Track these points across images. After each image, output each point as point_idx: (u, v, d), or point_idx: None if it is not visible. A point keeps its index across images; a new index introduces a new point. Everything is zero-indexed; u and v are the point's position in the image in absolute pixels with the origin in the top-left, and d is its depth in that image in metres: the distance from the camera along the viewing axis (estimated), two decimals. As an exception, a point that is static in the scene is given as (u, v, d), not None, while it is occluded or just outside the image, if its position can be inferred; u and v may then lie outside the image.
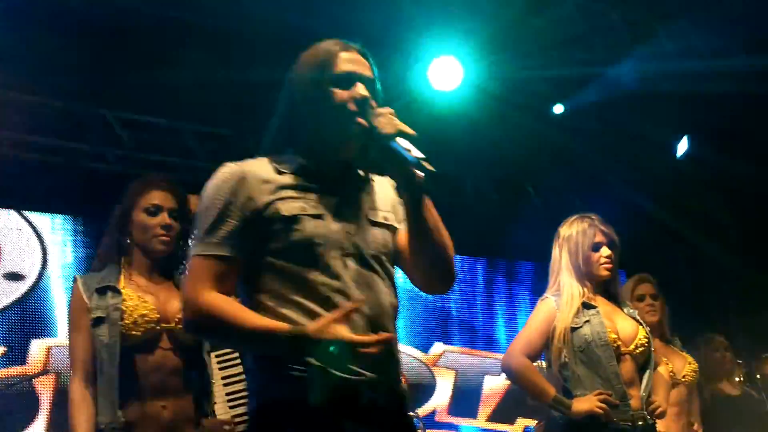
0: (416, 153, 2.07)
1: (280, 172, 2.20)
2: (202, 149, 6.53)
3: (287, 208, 2.14)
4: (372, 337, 2.02)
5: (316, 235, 2.12)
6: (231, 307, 2.08)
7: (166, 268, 3.23)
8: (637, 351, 3.67)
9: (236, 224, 2.13)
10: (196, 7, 5.48)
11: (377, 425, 2.09)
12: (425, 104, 6.26)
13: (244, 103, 5.59)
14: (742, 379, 6.45)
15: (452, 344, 7.63)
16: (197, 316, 2.10)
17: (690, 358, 4.84)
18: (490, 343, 7.64)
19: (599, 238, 3.70)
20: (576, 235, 3.71)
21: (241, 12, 5.48)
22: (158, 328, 3.07)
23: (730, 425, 5.46)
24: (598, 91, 6.55)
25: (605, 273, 3.70)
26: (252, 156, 2.27)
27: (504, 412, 7.36)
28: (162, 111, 6.37)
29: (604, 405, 3.46)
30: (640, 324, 3.76)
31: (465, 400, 7.45)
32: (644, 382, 3.67)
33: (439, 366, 7.54)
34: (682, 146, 7.54)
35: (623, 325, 3.69)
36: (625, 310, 3.79)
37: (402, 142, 2.08)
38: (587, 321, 3.60)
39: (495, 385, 7.50)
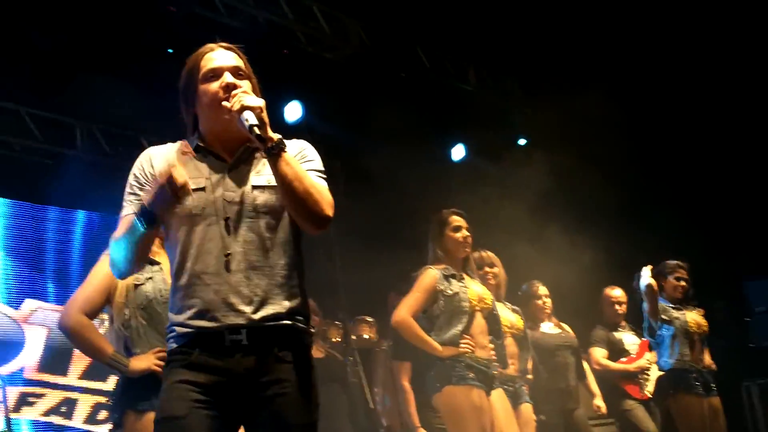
0: (251, 121, 2.53)
1: (183, 153, 2.70)
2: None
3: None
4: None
5: (194, 207, 2.60)
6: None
7: None
8: None
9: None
10: None
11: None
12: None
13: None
14: (339, 339, 6.76)
15: (46, 301, 7.32)
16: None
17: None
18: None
19: None
20: None
21: None
22: None
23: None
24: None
25: None
26: None
27: (97, 370, 7.18)
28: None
29: (161, 362, 3.44)
30: None
31: (56, 357, 7.19)
32: None
33: (30, 323, 7.21)
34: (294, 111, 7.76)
35: None
36: None
37: (246, 115, 2.54)
38: (150, 278, 3.56)
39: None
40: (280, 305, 2.60)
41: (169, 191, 2.50)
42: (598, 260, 7.56)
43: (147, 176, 2.69)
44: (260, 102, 2.59)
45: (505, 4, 7.93)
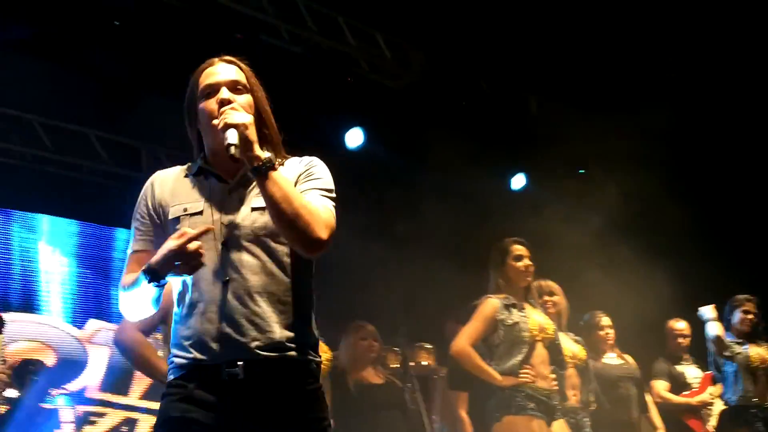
0: (230, 139, 2.39)
1: (186, 175, 2.61)
2: None
3: (173, 211, 2.55)
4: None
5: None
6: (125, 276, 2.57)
7: None
8: None
9: (147, 223, 2.60)
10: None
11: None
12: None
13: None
14: (398, 365, 6.75)
15: (110, 321, 7.44)
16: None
17: (325, 347, 4.94)
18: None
19: None
20: None
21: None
22: None
23: (371, 413, 5.66)
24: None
25: None
26: None
27: (158, 390, 7.26)
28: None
29: None
30: None
31: (118, 377, 7.30)
32: None
33: (93, 343, 7.33)
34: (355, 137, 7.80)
35: None
36: None
37: (228, 133, 2.40)
38: None
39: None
40: (281, 335, 2.45)
41: (180, 265, 2.37)
42: (663, 291, 7.44)
43: (149, 206, 2.61)
44: (245, 119, 2.44)
45: (566, 32, 7.90)
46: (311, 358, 2.54)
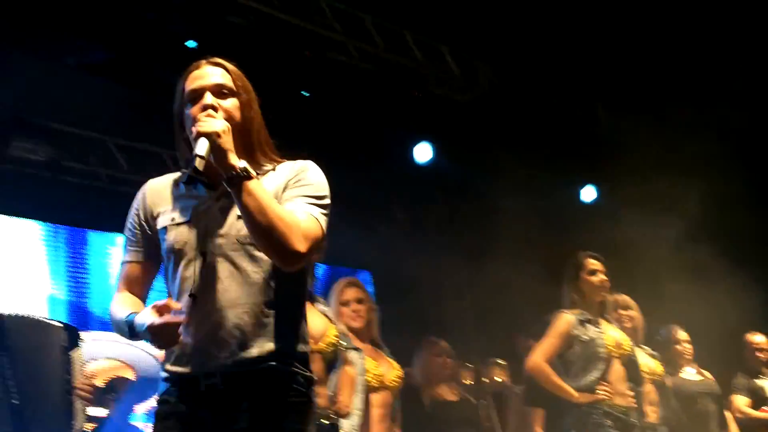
0: (197, 150, 2.28)
1: (177, 184, 2.54)
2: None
3: (160, 221, 2.52)
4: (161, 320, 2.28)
5: (176, 242, 2.44)
6: (116, 301, 2.54)
7: None
8: (328, 350, 3.76)
9: (138, 233, 2.57)
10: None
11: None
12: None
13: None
14: (472, 382, 6.73)
15: (184, 338, 7.52)
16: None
17: (396, 365, 4.88)
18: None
19: None
20: None
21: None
22: None
23: (446, 430, 5.63)
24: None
25: None
26: None
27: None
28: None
29: None
30: (331, 322, 3.88)
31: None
32: (332, 381, 3.80)
33: (169, 360, 7.44)
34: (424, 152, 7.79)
35: (316, 323, 3.77)
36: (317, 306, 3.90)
37: (199, 142, 2.30)
38: None
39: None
40: (262, 347, 2.36)
41: (158, 343, 2.33)
42: (743, 302, 7.26)
43: (140, 215, 2.57)
44: (218, 126, 2.34)
45: (632, 38, 7.79)
46: (297, 370, 2.42)
